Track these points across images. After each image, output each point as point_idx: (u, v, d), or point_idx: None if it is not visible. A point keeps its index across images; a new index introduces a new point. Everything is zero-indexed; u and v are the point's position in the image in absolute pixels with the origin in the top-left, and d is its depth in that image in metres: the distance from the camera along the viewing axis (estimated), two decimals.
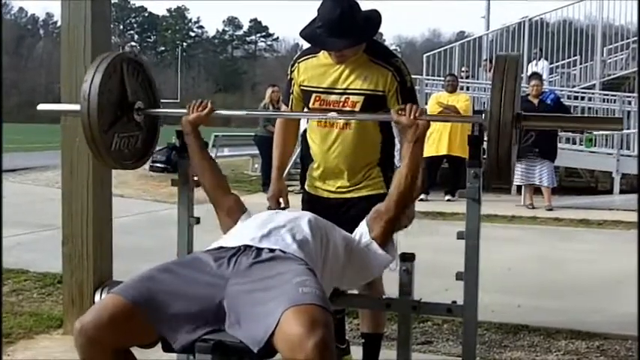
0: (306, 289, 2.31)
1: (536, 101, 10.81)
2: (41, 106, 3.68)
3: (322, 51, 3.45)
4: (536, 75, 11.70)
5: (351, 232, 3.10)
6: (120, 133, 3.35)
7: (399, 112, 3.04)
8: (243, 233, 2.79)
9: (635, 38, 16.84)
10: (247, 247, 2.65)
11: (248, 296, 2.40)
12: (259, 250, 2.63)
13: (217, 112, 3.35)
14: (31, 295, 5.43)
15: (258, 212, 3.07)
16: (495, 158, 2.81)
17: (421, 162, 3.03)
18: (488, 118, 2.79)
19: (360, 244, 3.01)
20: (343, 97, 3.42)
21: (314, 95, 3.48)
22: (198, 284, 2.48)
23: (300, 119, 3.77)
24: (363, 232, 3.04)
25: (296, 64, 3.56)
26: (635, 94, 14.74)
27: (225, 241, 2.78)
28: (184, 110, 3.32)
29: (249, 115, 3.06)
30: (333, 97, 3.44)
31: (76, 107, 3.24)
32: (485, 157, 2.94)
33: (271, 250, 2.63)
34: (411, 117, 2.99)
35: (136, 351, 2.50)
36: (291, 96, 3.61)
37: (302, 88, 3.54)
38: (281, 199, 3.71)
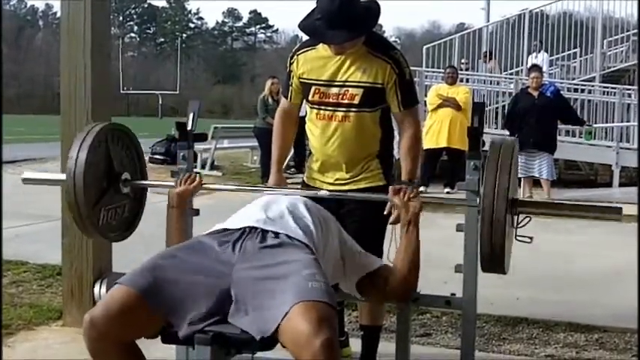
0: (315, 284, 2.33)
1: (536, 94, 10.80)
2: (26, 175, 3.67)
3: (321, 43, 3.44)
4: (536, 67, 11.69)
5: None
6: (107, 206, 3.35)
7: (395, 191, 3.06)
8: (247, 214, 2.79)
9: (635, 31, 16.83)
10: (252, 228, 2.65)
11: (256, 284, 2.41)
12: (264, 232, 2.63)
13: (205, 185, 3.35)
14: (30, 287, 5.44)
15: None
16: (489, 248, 2.81)
17: (417, 247, 3.00)
18: (482, 207, 2.79)
19: (349, 248, 3.02)
20: (342, 90, 3.41)
21: (313, 88, 3.48)
22: (204, 272, 2.49)
23: (298, 113, 3.76)
24: (352, 247, 3.05)
25: (295, 57, 3.55)
26: (635, 87, 14.73)
27: (229, 222, 2.77)
28: (172, 183, 3.31)
29: (239, 189, 3.09)
30: (332, 90, 3.44)
31: (62, 177, 3.25)
32: (484, 149, 2.94)
33: (276, 235, 2.63)
34: (405, 199, 3.00)
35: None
36: (291, 88, 3.61)
37: (301, 80, 3.53)
38: None
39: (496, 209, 2.75)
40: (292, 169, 12.41)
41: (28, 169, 14.09)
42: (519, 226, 3.01)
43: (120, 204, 3.44)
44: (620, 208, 2.94)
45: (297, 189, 3.62)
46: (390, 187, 3.13)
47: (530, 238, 2.97)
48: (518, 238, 3.00)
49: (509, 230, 2.86)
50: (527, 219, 3.00)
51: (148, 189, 3.68)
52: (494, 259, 2.85)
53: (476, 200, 3.01)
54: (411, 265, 2.96)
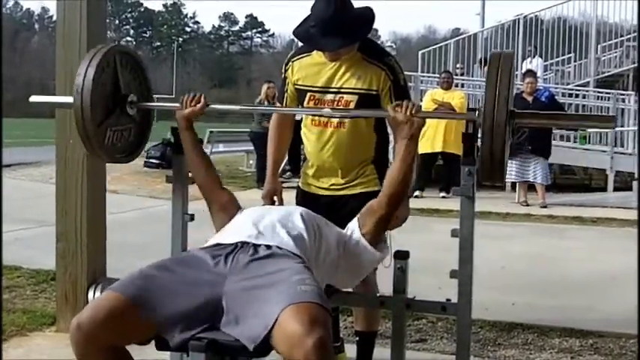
0: (305, 287, 2.31)
1: (530, 99, 10.82)
2: (33, 98, 3.65)
3: (316, 50, 3.44)
4: (530, 72, 11.72)
5: (348, 216, 3.10)
6: (113, 126, 3.33)
7: (396, 108, 3.03)
8: (238, 229, 2.78)
9: (630, 36, 16.88)
10: (244, 243, 2.64)
11: (247, 293, 2.40)
12: (256, 246, 2.63)
13: (211, 106, 3.33)
14: (24, 292, 5.42)
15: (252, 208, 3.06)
16: (489, 156, 2.81)
17: (415, 159, 3.03)
18: (482, 116, 2.79)
19: (351, 240, 3.01)
20: (337, 96, 3.41)
21: (308, 94, 3.48)
22: (195, 282, 2.48)
23: (294, 118, 3.76)
24: (354, 229, 3.03)
25: (290, 63, 3.55)
26: (630, 92, 14.76)
27: (221, 237, 2.77)
28: (177, 104, 3.29)
29: (243, 110, 3.05)
30: (327, 97, 3.44)
31: (69, 100, 3.22)
32: (478, 154, 2.94)
33: (268, 247, 2.62)
34: (407, 113, 2.99)
35: (129, 349, 2.49)
36: (286, 94, 3.61)
37: (296, 87, 3.53)
38: (275, 198, 3.71)
39: (496, 117, 2.75)
40: (288, 173, 12.40)
41: (22, 173, 14.08)
42: (518, 139, 3.00)
43: (126, 127, 3.42)
44: (614, 116, 2.94)
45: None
46: (389, 106, 3.11)
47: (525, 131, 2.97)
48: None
49: (507, 139, 2.86)
50: (525, 132, 3.00)
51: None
52: (494, 168, 2.85)
53: (471, 205, 3.01)
54: (405, 171, 2.98)
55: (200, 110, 3.25)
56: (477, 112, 2.94)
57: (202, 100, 3.25)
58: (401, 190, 3.01)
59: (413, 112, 2.99)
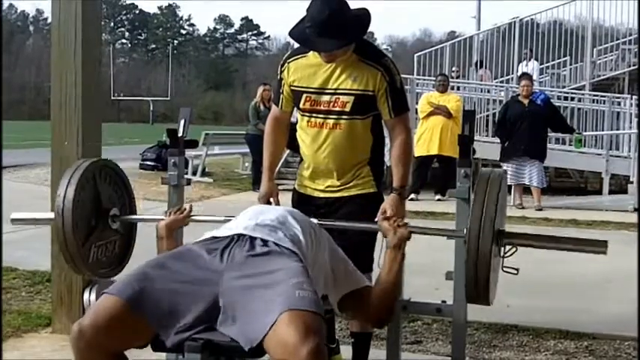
0: (302, 293, 2.32)
1: (526, 101, 10.86)
2: (14, 215, 3.66)
3: (312, 51, 3.45)
4: (526, 75, 11.76)
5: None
6: (97, 242, 3.35)
7: (384, 216, 3.10)
8: (235, 223, 2.79)
9: (625, 39, 16.91)
10: (240, 236, 2.65)
11: (244, 293, 2.40)
12: (252, 239, 2.63)
13: (194, 217, 3.34)
14: (19, 294, 5.42)
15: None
16: (473, 282, 2.80)
17: (401, 273, 3.02)
18: (467, 240, 2.78)
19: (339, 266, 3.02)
20: (333, 97, 3.42)
21: (304, 96, 3.48)
22: (192, 280, 2.48)
23: (290, 120, 3.76)
24: (345, 266, 3.04)
25: (286, 64, 3.55)
26: (625, 95, 14.78)
27: (218, 231, 2.77)
28: (160, 216, 3.30)
29: (227, 220, 3.07)
30: (323, 98, 3.44)
31: (50, 216, 3.24)
32: (475, 157, 2.95)
33: (264, 242, 2.62)
34: (394, 224, 3.02)
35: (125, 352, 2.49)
36: (282, 96, 3.61)
37: (292, 88, 3.53)
38: (272, 200, 3.71)
39: (481, 245, 2.74)
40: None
41: (16, 175, 14.07)
42: (506, 256, 2.99)
43: (110, 240, 3.44)
44: (606, 242, 2.94)
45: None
46: (379, 213, 3.13)
47: (517, 269, 2.96)
48: (504, 269, 2.99)
49: (495, 262, 2.85)
50: (514, 249, 3.00)
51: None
52: (479, 294, 2.85)
53: (467, 207, 3.02)
54: (389, 295, 2.96)
55: (183, 219, 3.28)
56: (464, 230, 2.92)
57: (186, 210, 3.30)
58: (389, 303, 2.99)
59: (399, 223, 3.02)
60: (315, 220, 3.07)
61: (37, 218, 3.77)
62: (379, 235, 3.31)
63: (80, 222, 3.19)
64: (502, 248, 2.96)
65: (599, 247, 2.93)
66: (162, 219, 3.26)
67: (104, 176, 3.41)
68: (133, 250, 3.65)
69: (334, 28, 3.21)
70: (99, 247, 3.35)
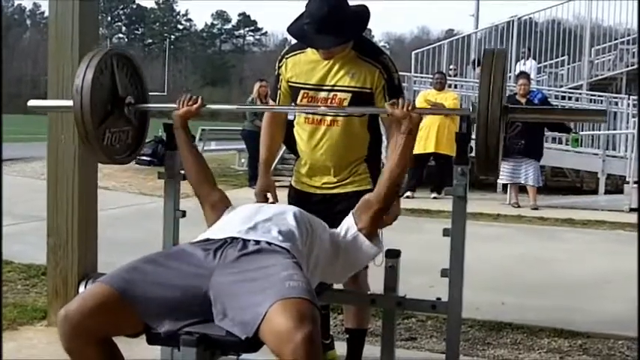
0: (293, 283, 2.32)
1: (523, 100, 10.85)
2: (32, 102, 3.68)
3: (310, 47, 3.45)
4: (523, 74, 11.74)
5: (337, 228, 3.10)
6: (111, 128, 3.36)
7: (393, 105, 3.06)
8: (229, 225, 2.80)
9: (623, 39, 16.93)
10: (233, 239, 2.66)
11: (234, 287, 2.41)
12: (245, 241, 2.64)
13: (207, 106, 3.36)
14: (15, 287, 5.42)
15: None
16: (484, 150, 2.83)
17: (411, 154, 3.06)
18: (477, 111, 2.81)
19: (346, 237, 3.03)
20: (331, 94, 3.42)
21: (302, 92, 3.48)
22: (183, 275, 2.49)
23: (286, 116, 3.77)
24: (349, 225, 3.05)
25: (284, 60, 3.56)
26: (623, 95, 14.80)
27: (212, 233, 2.78)
28: (174, 105, 3.32)
29: (240, 109, 3.07)
30: (320, 94, 3.44)
31: (68, 103, 3.25)
32: (472, 153, 2.95)
33: (257, 242, 2.63)
34: (405, 109, 3.02)
35: (120, 345, 2.50)
36: (279, 92, 3.61)
37: (290, 84, 3.53)
38: (269, 195, 3.71)
39: (491, 112, 2.77)
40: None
41: (13, 169, 14.05)
42: (510, 133, 3.01)
43: (123, 129, 3.46)
44: (604, 110, 2.96)
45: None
46: (386, 103, 3.15)
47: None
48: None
49: (502, 135, 2.88)
50: (518, 127, 3.02)
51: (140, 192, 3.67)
52: (490, 163, 2.87)
53: (463, 205, 3.03)
54: (404, 165, 3.04)
55: (196, 110, 3.29)
56: (471, 108, 2.96)
57: (199, 100, 3.30)
58: (398, 183, 3.07)
59: (410, 108, 3.03)
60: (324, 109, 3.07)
61: (55, 105, 3.85)
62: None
63: (98, 104, 3.21)
64: (506, 124, 2.98)
65: (598, 115, 2.94)
66: (177, 108, 3.30)
67: (121, 65, 3.42)
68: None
69: (333, 25, 3.21)
70: (113, 133, 3.37)
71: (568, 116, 3.31)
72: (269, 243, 2.64)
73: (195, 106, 3.28)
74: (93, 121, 3.18)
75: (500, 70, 2.84)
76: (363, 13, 3.37)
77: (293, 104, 3.57)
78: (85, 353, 2.39)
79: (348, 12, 3.28)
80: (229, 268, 2.50)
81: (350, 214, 3.08)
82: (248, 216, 2.83)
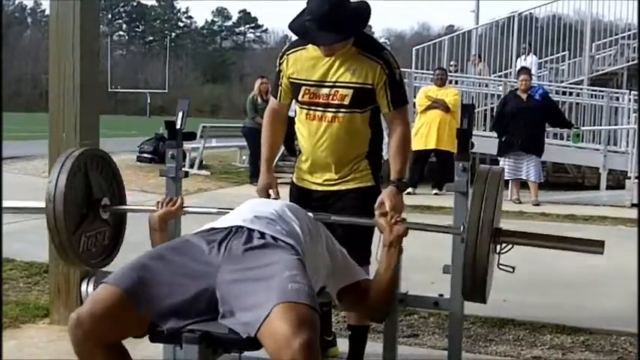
0: (295, 286, 2.32)
1: (524, 96, 10.85)
2: (5, 204, 3.63)
3: (311, 44, 3.44)
4: (525, 69, 11.74)
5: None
6: (87, 232, 3.32)
7: (382, 211, 3.11)
8: (234, 214, 2.80)
9: (624, 34, 16.91)
10: (238, 227, 2.65)
11: (239, 286, 2.41)
12: (250, 232, 2.63)
13: (186, 208, 3.32)
14: (17, 285, 5.42)
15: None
16: (470, 282, 2.80)
17: (398, 268, 3.04)
18: (466, 241, 2.78)
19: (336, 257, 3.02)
20: (332, 90, 3.41)
21: (303, 88, 3.48)
22: (190, 272, 2.49)
23: (287, 113, 3.76)
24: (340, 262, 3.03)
25: (285, 57, 3.55)
26: (624, 90, 14.79)
27: (217, 222, 2.78)
28: (153, 207, 3.29)
29: (220, 212, 3.07)
30: (322, 90, 3.44)
31: (42, 205, 3.22)
32: (473, 151, 2.95)
33: (262, 235, 2.63)
34: (391, 221, 3.01)
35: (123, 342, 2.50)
36: (280, 88, 3.61)
37: (291, 80, 3.53)
38: (271, 191, 3.70)
39: (479, 245, 2.73)
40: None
41: (14, 167, 14.05)
42: (502, 252, 2.99)
43: (100, 230, 3.42)
44: (602, 242, 2.93)
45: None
46: (376, 207, 3.14)
47: (513, 268, 2.96)
48: (500, 266, 2.99)
49: (492, 258, 2.85)
50: (510, 247, 2.99)
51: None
52: (476, 292, 2.85)
53: (465, 201, 3.02)
54: (385, 291, 2.98)
55: (176, 211, 3.27)
56: (462, 227, 2.92)
57: (179, 202, 3.28)
58: (387, 298, 3.02)
59: (396, 219, 3.01)
60: (310, 215, 3.07)
61: (28, 207, 3.75)
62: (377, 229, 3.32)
63: (72, 209, 3.17)
64: (499, 245, 2.95)
65: (595, 247, 2.92)
66: (154, 210, 3.25)
67: (95, 165, 3.39)
68: (123, 242, 3.64)
69: (334, 22, 3.21)
70: (89, 237, 3.33)
71: (565, 244, 3.28)
72: (274, 238, 2.63)
73: (174, 207, 3.25)
74: (67, 230, 3.14)
75: (493, 194, 2.80)
76: (364, 9, 3.36)
77: (295, 100, 3.57)
78: (95, 356, 2.39)
79: (349, 9, 3.27)
80: (235, 264, 2.49)
81: (335, 282, 3.03)
82: (253, 207, 2.84)
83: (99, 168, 3.42)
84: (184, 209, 3.30)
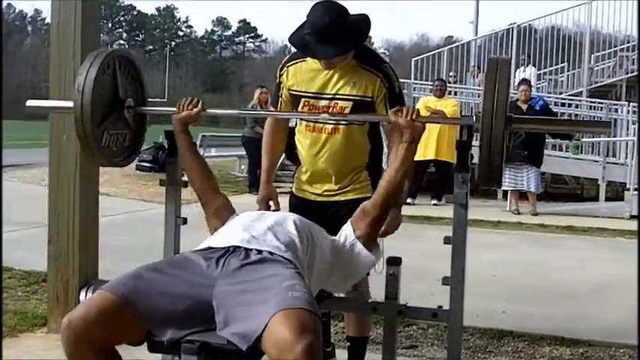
0: (295, 294, 2.32)
1: (524, 107, 10.87)
2: (30, 102, 3.65)
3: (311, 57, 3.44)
4: (524, 80, 11.79)
5: (336, 235, 3.10)
6: (110, 130, 3.34)
7: (397, 112, 3.05)
8: (231, 233, 2.79)
9: (623, 46, 16.95)
10: (236, 247, 2.65)
11: (237, 297, 2.41)
12: (248, 250, 2.63)
13: (208, 110, 3.34)
14: (15, 293, 5.41)
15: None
16: (487, 159, 2.82)
17: (412, 163, 3.05)
18: (481, 120, 2.80)
19: (345, 245, 3.00)
20: (332, 103, 3.41)
21: (303, 100, 3.48)
22: (186, 284, 2.49)
23: (288, 123, 3.76)
24: (347, 232, 3.03)
25: (285, 68, 3.55)
26: (622, 102, 14.81)
27: (214, 241, 2.77)
28: (174, 109, 3.30)
29: (241, 114, 3.10)
30: (321, 103, 3.44)
31: (68, 104, 3.24)
32: (472, 162, 2.95)
33: (259, 252, 2.63)
34: (409, 118, 3.01)
35: (121, 351, 2.49)
36: (280, 99, 3.61)
37: (291, 92, 3.53)
38: (271, 202, 3.70)
39: (495, 126, 2.76)
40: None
41: (14, 175, 14.05)
42: (514, 142, 2.99)
43: (122, 131, 3.44)
44: (609, 122, 2.95)
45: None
46: (390, 111, 3.13)
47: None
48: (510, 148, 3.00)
49: (505, 146, 2.87)
50: (521, 136, 3.00)
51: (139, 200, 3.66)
52: (492, 176, 2.86)
53: (464, 213, 3.02)
54: (403, 173, 3.00)
55: (197, 114, 3.27)
56: (474, 117, 2.94)
57: (199, 104, 3.27)
58: (396, 191, 3.04)
59: (414, 116, 3.01)
60: (326, 115, 3.07)
61: (55, 106, 3.81)
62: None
63: (98, 103, 3.19)
64: (510, 133, 2.97)
65: (602, 127, 2.93)
66: (176, 111, 3.27)
67: (123, 67, 3.41)
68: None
69: (334, 36, 3.20)
70: (111, 135, 3.35)
71: (572, 127, 3.28)
72: (271, 253, 2.63)
73: (195, 109, 3.25)
74: (92, 122, 3.16)
75: (504, 79, 2.82)
76: (364, 22, 3.36)
77: (295, 112, 3.57)
78: None
79: (349, 22, 3.26)
80: (232, 278, 2.49)
81: (348, 222, 3.06)
82: (250, 224, 2.82)
83: (126, 70, 3.44)
84: (205, 111, 3.30)
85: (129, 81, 3.47)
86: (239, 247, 2.65)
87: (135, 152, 3.63)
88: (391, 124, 3.14)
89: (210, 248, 2.70)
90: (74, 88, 3.17)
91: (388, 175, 3.02)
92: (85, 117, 3.15)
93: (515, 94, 11.18)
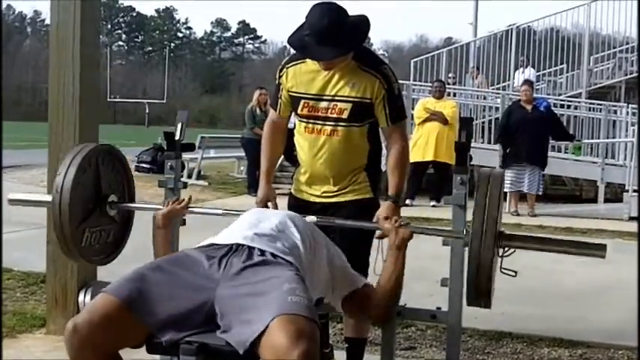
0: (295, 298, 2.32)
1: (529, 107, 10.90)
2: (11, 196, 3.63)
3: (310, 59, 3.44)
4: (527, 81, 11.84)
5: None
6: (91, 227, 3.32)
7: (384, 218, 3.13)
8: (235, 231, 2.79)
9: (622, 48, 16.95)
10: (239, 245, 2.65)
11: (238, 300, 2.41)
12: (251, 249, 2.63)
13: (191, 208, 3.34)
14: (14, 294, 5.41)
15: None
16: (474, 283, 2.79)
17: (403, 271, 3.02)
18: (470, 245, 2.77)
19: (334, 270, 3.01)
20: (331, 104, 3.42)
21: (302, 101, 3.48)
22: (188, 285, 2.49)
23: (287, 125, 3.76)
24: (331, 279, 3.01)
25: (284, 70, 3.55)
26: (622, 104, 14.82)
27: (217, 238, 2.77)
28: (159, 206, 3.31)
29: (226, 213, 3.14)
30: (321, 104, 3.44)
31: (48, 198, 3.22)
32: (472, 164, 2.95)
33: (262, 252, 2.63)
34: (395, 224, 3.03)
35: (120, 352, 2.49)
36: (280, 101, 3.61)
37: (290, 93, 3.53)
38: (270, 204, 3.70)
39: (484, 250, 2.73)
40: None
41: (13, 176, 14.04)
42: (504, 256, 2.98)
43: (105, 227, 3.42)
44: (605, 245, 2.92)
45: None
46: (380, 216, 3.13)
47: (515, 272, 2.96)
48: (502, 270, 2.98)
49: (495, 262, 2.85)
50: (512, 251, 2.98)
51: (136, 206, 3.65)
52: (480, 298, 2.84)
53: (463, 214, 3.02)
54: (391, 292, 2.98)
55: (181, 210, 3.29)
56: (464, 231, 2.92)
57: (185, 201, 3.31)
58: (390, 300, 3.02)
59: (400, 223, 3.04)
60: (314, 218, 3.07)
61: (35, 200, 3.75)
62: (375, 242, 3.32)
63: (78, 203, 3.17)
64: (502, 249, 2.95)
65: (598, 250, 2.91)
66: (161, 208, 3.26)
67: (107, 162, 3.40)
68: (128, 242, 3.63)
69: (333, 37, 3.21)
70: (92, 232, 3.33)
71: (567, 248, 3.26)
72: (274, 255, 2.63)
73: (180, 205, 3.28)
74: (71, 223, 3.14)
75: (495, 197, 2.79)
76: (363, 23, 3.36)
77: (294, 113, 3.57)
78: None
79: (348, 23, 3.27)
80: (233, 281, 2.50)
81: (338, 292, 3.01)
82: (254, 222, 2.83)
83: (110, 165, 3.43)
84: (189, 209, 3.31)
85: (114, 175, 3.46)
86: (242, 245, 2.65)
87: (118, 248, 3.59)
88: (381, 229, 3.16)
89: (212, 245, 2.70)
90: (52, 187, 3.14)
91: (382, 285, 2.99)
92: (64, 218, 3.13)
93: (514, 95, 11.19)
